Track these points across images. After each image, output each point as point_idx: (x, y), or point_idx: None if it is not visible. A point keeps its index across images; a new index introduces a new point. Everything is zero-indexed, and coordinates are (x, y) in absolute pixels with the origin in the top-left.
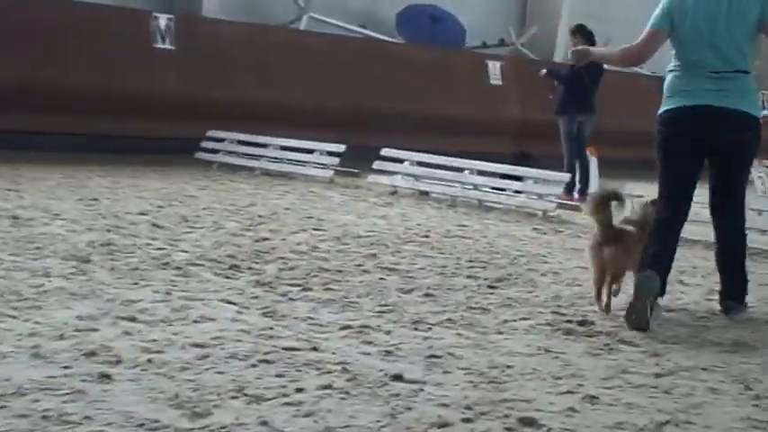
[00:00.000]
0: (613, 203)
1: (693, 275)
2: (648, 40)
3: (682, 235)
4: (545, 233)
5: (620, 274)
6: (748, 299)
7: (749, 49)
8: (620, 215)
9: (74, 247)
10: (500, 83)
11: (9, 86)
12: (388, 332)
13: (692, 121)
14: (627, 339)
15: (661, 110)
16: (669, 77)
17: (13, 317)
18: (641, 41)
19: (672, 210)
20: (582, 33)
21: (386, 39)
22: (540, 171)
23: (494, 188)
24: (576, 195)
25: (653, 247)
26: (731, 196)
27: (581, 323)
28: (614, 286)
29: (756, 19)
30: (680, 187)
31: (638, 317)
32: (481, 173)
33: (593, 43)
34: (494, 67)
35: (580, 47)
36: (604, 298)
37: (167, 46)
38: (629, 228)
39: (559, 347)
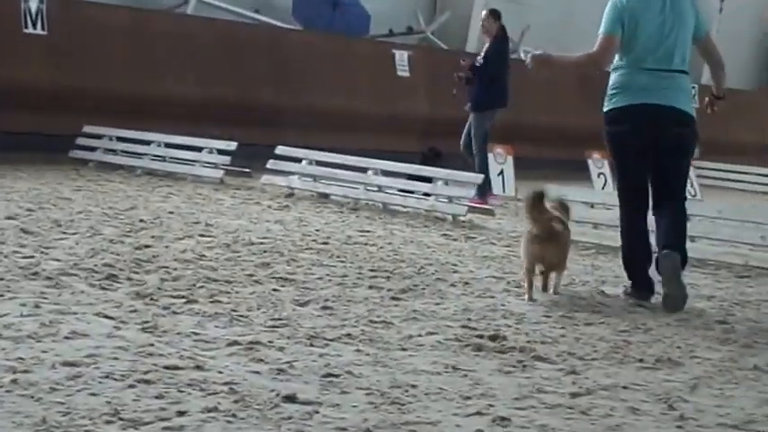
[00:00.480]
0: (548, 201)
1: (615, 285)
2: (607, 47)
3: (600, 242)
4: (455, 239)
5: (555, 269)
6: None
7: (689, 51)
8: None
9: None
10: (408, 74)
11: None
12: (281, 349)
13: (640, 118)
14: (542, 356)
15: (608, 108)
16: (615, 76)
17: None
18: (601, 49)
19: (637, 205)
20: (494, 16)
21: (281, 25)
22: (451, 172)
23: (400, 190)
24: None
25: (629, 242)
26: (673, 196)
27: (492, 338)
28: (554, 280)
29: (693, 28)
30: (638, 182)
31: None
32: (386, 173)
33: (502, 26)
34: (401, 58)
35: (541, 52)
36: (534, 289)
37: (38, 31)
38: (561, 225)
39: (468, 365)
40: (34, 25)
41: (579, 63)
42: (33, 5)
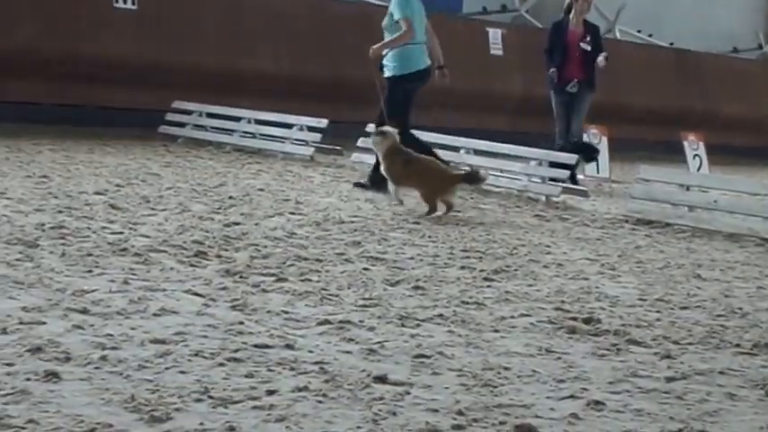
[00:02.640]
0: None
1: (711, 269)
2: (412, 26)
3: (696, 225)
4: (548, 220)
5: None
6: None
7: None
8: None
9: (20, 230)
10: (501, 53)
11: None
12: (372, 329)
13: (424, 76)
14: (637, 339)
15: (407, 71)
16: (404, 50)
17: None
18: (411, 29)
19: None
20: None
21: (373, 2)
22: (545, 152)
23: (494, 170)
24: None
25: None
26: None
27: (586, 321)
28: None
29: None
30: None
31: None
32: (479, 152)
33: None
34: (495, 36)
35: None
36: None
37: (129, 6)
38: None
39: (562, 347)
40: (125, 0)
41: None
42: None
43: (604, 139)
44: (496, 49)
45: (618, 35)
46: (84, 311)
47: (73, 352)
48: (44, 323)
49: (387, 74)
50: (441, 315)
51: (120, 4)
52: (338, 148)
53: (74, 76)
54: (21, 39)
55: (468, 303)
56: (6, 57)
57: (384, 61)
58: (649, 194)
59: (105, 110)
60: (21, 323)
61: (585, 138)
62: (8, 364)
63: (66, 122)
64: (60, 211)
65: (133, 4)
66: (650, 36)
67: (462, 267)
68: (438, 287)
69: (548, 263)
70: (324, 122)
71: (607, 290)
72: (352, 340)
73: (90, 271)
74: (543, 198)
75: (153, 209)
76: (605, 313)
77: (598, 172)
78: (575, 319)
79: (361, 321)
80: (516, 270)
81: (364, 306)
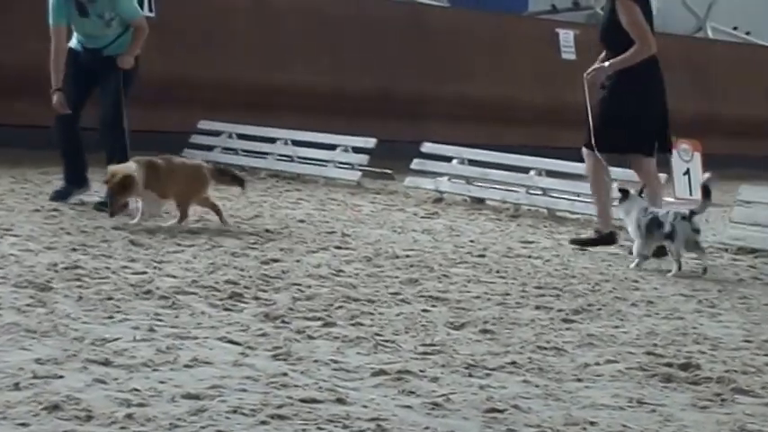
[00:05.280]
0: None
1: None
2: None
3: None
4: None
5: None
6: None
7: None
8: None
9: (30, 271)
10: (574, 57)
11: None
12: (435, 379)
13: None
14: (743, 388)
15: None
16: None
17: None
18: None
19: None
20: None
21: (424, 1)
22: (626, 171)
23: (568, 193)
24: None
25: None
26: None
27: (684, 367)
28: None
29: None
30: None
31: None
32: (551, 173)
33: None
34: (566, 38)
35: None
36: None
37: (146, 13)
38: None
39: (656, 398)
40: (141, 7)
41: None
42: None
43: (696, 155)
44: (568, 52)
45: (710, 33)
46: (106, 363)
47: (95, 410)
48: (61, 377)
49: None
50: (514, 363)
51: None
52: (389, 171)
53: None
54: (24, 55)
55: (545, 349)
56: (8, 75)
57: None
58: (752, 219)
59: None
60: (35, 377)
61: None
62: (22, 425)
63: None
64: (74, 249)
65: (150, 10)
66: (748, 34)
67: (537, 307)
68: (509, 330)
69: (636, 300)
70: (371, 142)
71: (706, 330)
72: (413, 393)
73: (111, 317)
74: None
75: (179, 245)
76: (705, 358)
77: (691, 194)
78: (670, 365)
79: (421, 371)
80: (600, 309)
81: (425, 353)
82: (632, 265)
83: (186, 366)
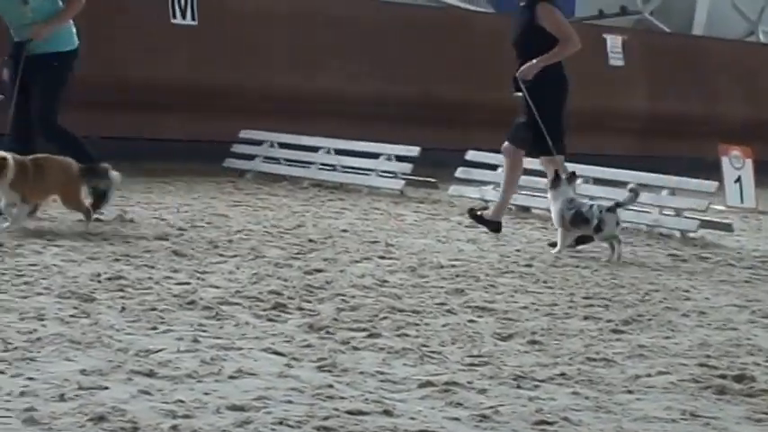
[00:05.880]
0: None
1: None
2: None
3: None
4: (685, 260)
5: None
6: None
7: None
8: None
9: (73, 281)
10: (622, 63)
11: None
12: (483, 391)
13: None
14: None
15: (76, 46)
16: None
17: (0, 371)
18: None
19: None
20: None
21: (468, 7)
22: (679, 179)
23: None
24: None
25: None
26: None
27: (738, 378)
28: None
29: None
30: None
31: None
32: (598, 181)
33: None
34: (614, 44)
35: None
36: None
37: (188, 21)
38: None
39: (710, 411)
40: (183, 15)
41: None
42: None
43: (748, 162)
44: (616, 58)
45: (761, 38)
46: (151, 374)
47: (140, 421)
48: (106, 388)
49: None
50: (563, 374)
51: (179, 20)
52: (433, 180)
53: (124, 105)
54: None
55: (594, 360)
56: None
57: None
58: None
59: (161, 142)
60: (80, 388)
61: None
62: None
63: (118, 158)
64: (117, 260)
65: (193, 19)
66: None
67: (585, 318)
68: (558, 341)
69: (687, 311)
70: (415, 150)
71: (761, 341)
72: (461, 405)
73: (154, 328)
74: (678, 234)
75: (222, 255)
76: (760, 369)
77: (742, 201)
78: (723, 376)
79: (469, 383)
80: (650, 320)
81: (472, 365)
82: (554, 251)
83: (231, 377)
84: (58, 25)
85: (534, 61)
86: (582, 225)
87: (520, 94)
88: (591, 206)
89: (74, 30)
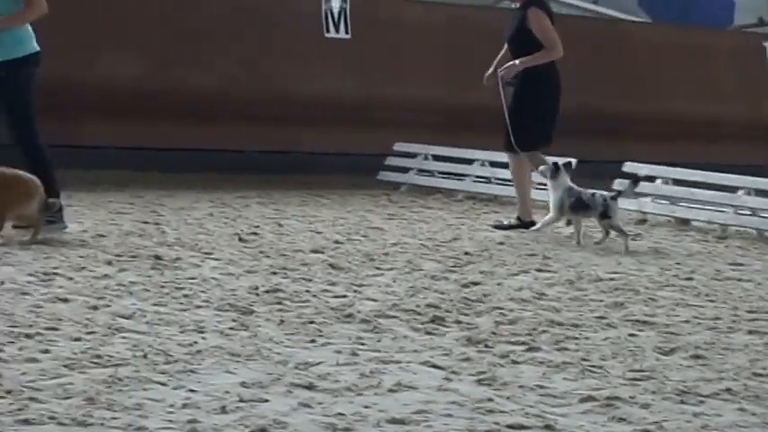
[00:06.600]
0: None
1: None
2: None
3: None
4: None
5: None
6: None
7: None
8: None
9: (232, 294)
10: None
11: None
12: (646, 406)
13: None
14: None
15: (30, 52)
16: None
17: (162, 383)
18: None
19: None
20: None
21: (624, 17)
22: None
23: None
24: None
25: None
26: None
27: None
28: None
29: None
30: None
31: None
32: (761, 193)
33: None
34: None
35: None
36: None
37: (341, 35)
38: None
39: None
40: (336, 28)
41: None
42: (335, 5)
43: None
44: None
45: None
46: (311, 387)
47: None
48: (267, 401)
49: None
50: (728, 389)
51: (332, 34)
52: None
53: (279, 119)
54: (217, 79)
55: (761, 376)
56: (200, 100)
57: None
58: None
59: (314, 155)
60: (241, 401)
61: None
62: None
63: (273, 171)
64: (274, 273)
65: (346, 32)
66: None
67: (750, 332)
68: (722, 356)
69: None
70: (573, 162)
71: None
72: (624, 420)
73: (313, 341)
74: None
75: (378, 268)
76: None
77: None
78: None
79: (631, 397)
80: None
81: (634, 379)
82: (534, 227)
83: (390, 391)
84: (7, 26)
85: (517, 62)
86: (582, 211)
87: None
88: (593, 194)
89: (27, 35)
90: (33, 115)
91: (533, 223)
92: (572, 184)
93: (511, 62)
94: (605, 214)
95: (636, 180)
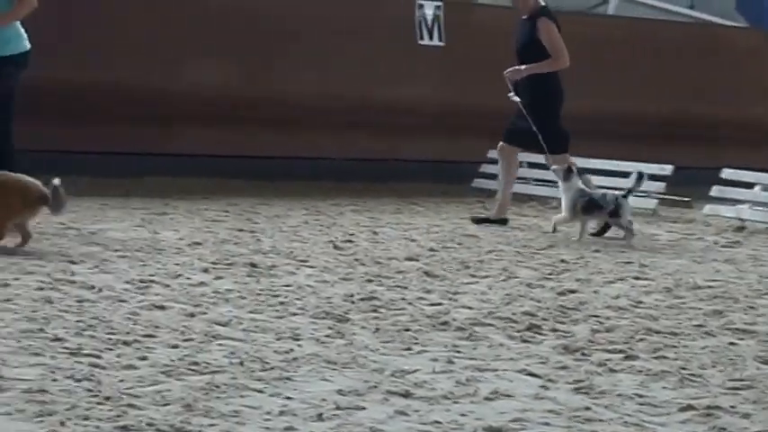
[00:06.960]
0: None
1: None
2: None
3: None
4: None
5: None
6: None
7: None
8: None
9: (327, 302)
10: None
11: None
12: (747, 416)
13: None
14: None
15: (17, 52)
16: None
17: (259, 390)
18: None
19: None
20: None
21: (721, 22)
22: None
23: None
24: None
25: None
26: None
27: None
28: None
29: None
30: None
31: None
32: None
33: None
34: None
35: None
36: None
37: (435, 42)
38: None
39: None
40: (430, 36)
41: None
42: (429, 12)
43: None
44: None
45: None
46: (407, 395)
47: None
48: (363, 408)
49: None
50: None
51: (426, 41)
52: (686, 199)
53: (367, 125)
54: (302, 85)
55: None
56: (298, 109)
57: None
58: None
59: (407, 162)
60: (338, 408)
61: None
62: None
63: (364, 179)
64: (370, 281)
65: (440, 39)
66: None
67: None
68: None
69: None
70: (668, 169)
71: None
72: (724, 429)
73: (409, 348)
74: None
75: (473, 276)
76: None
77: None
78: None
79: (732, 407)
80: None
81: (735, 388)
82: (547, 228)
83: (487, 399)
84: (5, 20)
85: (522, 67)
86: (595, 211)
87: (517, 99)
88: (604, 194)
89: (16, 34)
90: (10, 116)
91: (505, 220)
92: (583, 187)
93: (516, 67)
94: (615, 213)
95: (641, 176)
